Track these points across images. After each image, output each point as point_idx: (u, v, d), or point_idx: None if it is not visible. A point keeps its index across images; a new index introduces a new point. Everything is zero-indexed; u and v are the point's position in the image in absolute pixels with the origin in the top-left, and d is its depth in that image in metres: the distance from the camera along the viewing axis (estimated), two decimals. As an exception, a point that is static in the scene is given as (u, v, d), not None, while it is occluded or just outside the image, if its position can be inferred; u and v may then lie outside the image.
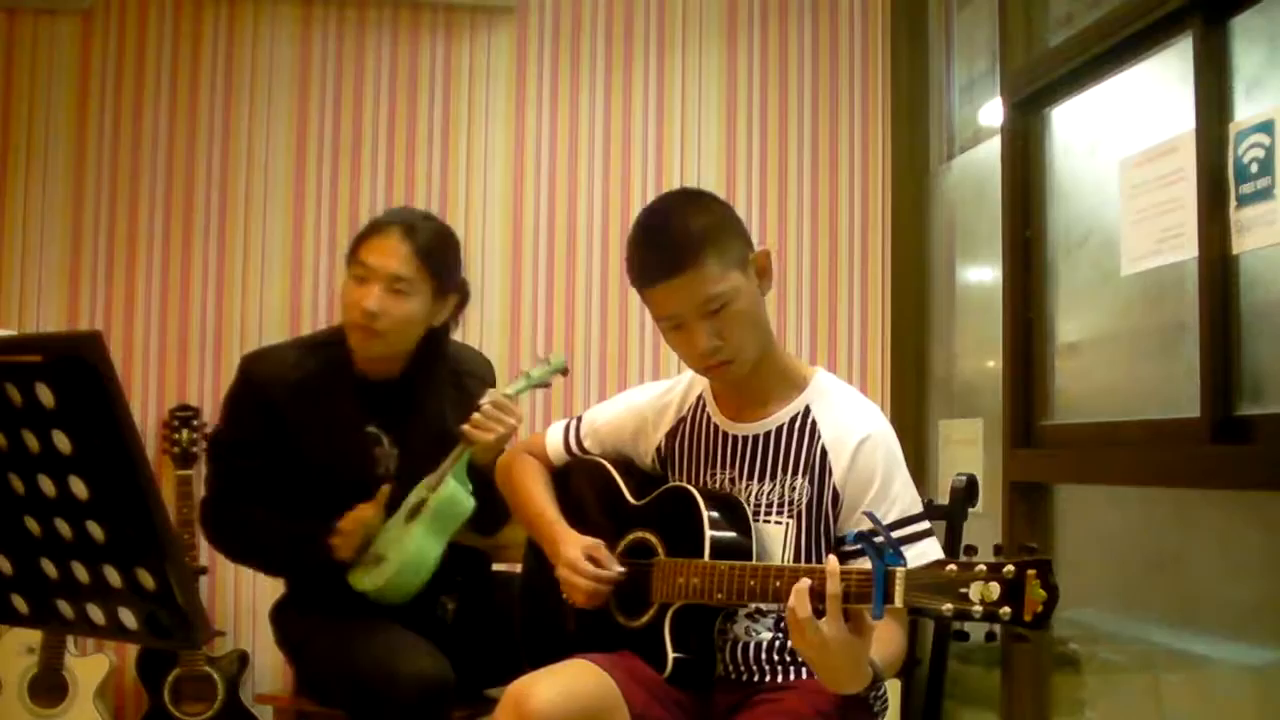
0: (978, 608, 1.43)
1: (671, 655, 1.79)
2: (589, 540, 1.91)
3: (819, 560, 1.81)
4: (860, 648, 1.55)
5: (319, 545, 2.25)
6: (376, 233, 2.31)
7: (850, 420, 1.87)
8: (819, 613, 1.51)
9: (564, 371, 2.49)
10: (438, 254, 2.31)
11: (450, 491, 2.26)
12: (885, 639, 1.68)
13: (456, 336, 2.54)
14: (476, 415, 2.27)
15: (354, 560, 2.27)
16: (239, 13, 3.51)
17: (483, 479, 2.27)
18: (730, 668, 1.84)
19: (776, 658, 1.84)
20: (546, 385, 2.51)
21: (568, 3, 3.66)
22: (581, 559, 1.87)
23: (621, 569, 1.88)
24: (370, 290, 2.25)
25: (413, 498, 2.29)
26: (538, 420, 3.50)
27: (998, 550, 1.47)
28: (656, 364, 3.63)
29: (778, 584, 1.66)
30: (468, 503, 2.28)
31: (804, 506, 1.83)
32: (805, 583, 1.53)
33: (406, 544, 2.23)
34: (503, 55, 3.62)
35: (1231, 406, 2.15)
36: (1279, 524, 2.13)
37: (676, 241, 1.78)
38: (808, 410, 1.88)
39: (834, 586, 1.52)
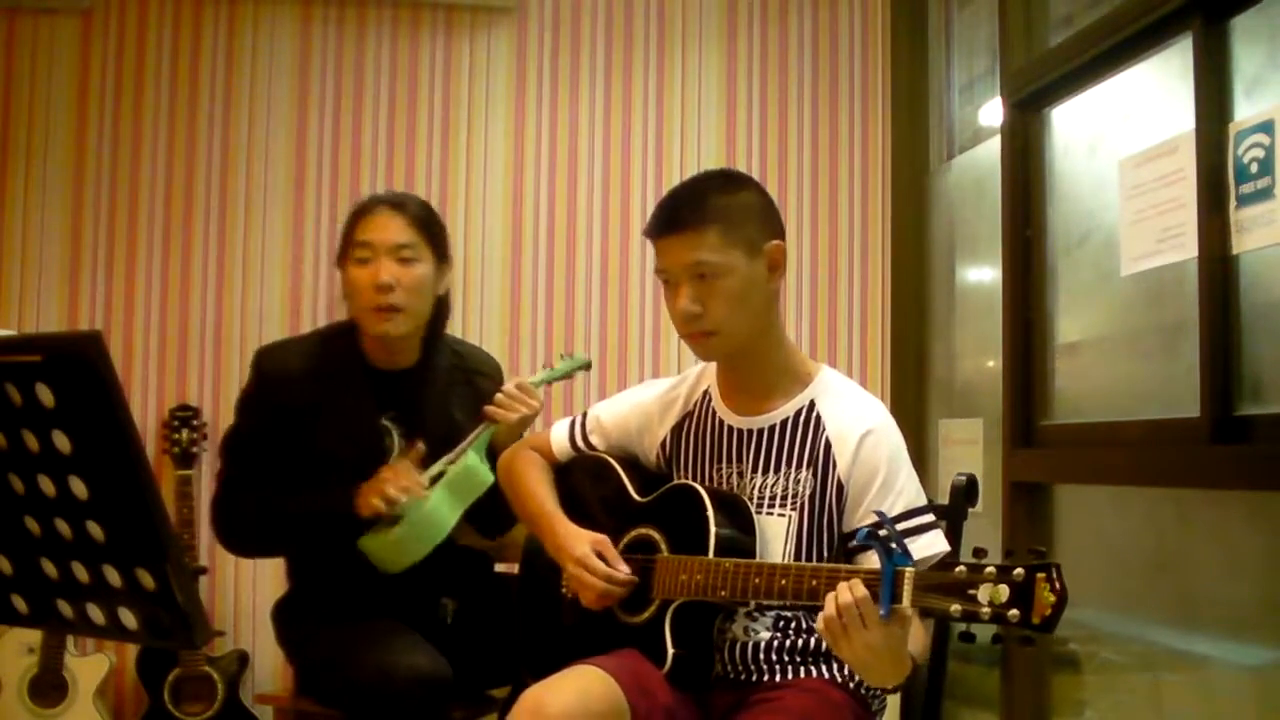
0: (986, 609, 1.43)
1: (671, 652, 1.79)
2: (594, 536, 1.91)
3: (819, 553, 1.83)
4: (901, 642, 1.55)
5: (341, 498, 2.21)
6: (367, 213, 2.33)
7: (855, 414, 1.88)
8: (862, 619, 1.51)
9: (587, 366, 2.60)
10: (430, 220, 2.36)
11: (470, 462, 2.28)
12: (913, 627, 1.67)
13: (457, 334, 2.54)
14: (499, 396, 2.33)
15: (372, 518, 2.20)
16: (239, 13, 3.51)
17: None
18: (729, 667, 1.85)
19: (775, 657, 1.84)
20: (569, 378, 2.61)
21: (568, 3, 3.66)
22: (593, 556, 1.87)
23: (634, 576, 1.86)
24: (378, 265, 2.26)
25: (432, 470, 2.29)
26: (540, 417, 3.49)
27: (1008, 554, 1.47)
28: (656, 362, 3.62)
29: (783, 583, 1.66)
30: (487, 475, 2.27)
31: (807, 499, 1.84)
32: (846, 594, 1.53)
33: (422, 504, 2.22)
34: (503, 55, 3.62)
35: (1231, 406, 2.15)
36: (1279, 524, 2.13)
37: (686, 203, 1.85)
38: (812, 404, 1.89)
39: (861, 591, 1.51)
